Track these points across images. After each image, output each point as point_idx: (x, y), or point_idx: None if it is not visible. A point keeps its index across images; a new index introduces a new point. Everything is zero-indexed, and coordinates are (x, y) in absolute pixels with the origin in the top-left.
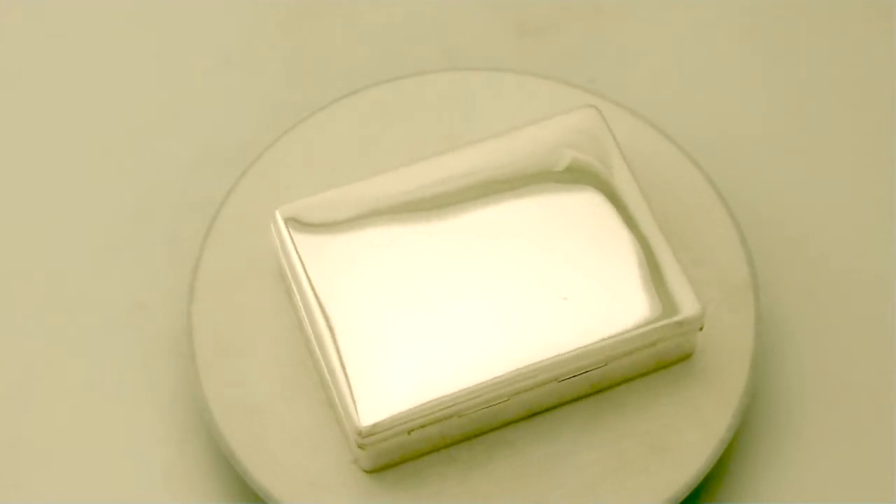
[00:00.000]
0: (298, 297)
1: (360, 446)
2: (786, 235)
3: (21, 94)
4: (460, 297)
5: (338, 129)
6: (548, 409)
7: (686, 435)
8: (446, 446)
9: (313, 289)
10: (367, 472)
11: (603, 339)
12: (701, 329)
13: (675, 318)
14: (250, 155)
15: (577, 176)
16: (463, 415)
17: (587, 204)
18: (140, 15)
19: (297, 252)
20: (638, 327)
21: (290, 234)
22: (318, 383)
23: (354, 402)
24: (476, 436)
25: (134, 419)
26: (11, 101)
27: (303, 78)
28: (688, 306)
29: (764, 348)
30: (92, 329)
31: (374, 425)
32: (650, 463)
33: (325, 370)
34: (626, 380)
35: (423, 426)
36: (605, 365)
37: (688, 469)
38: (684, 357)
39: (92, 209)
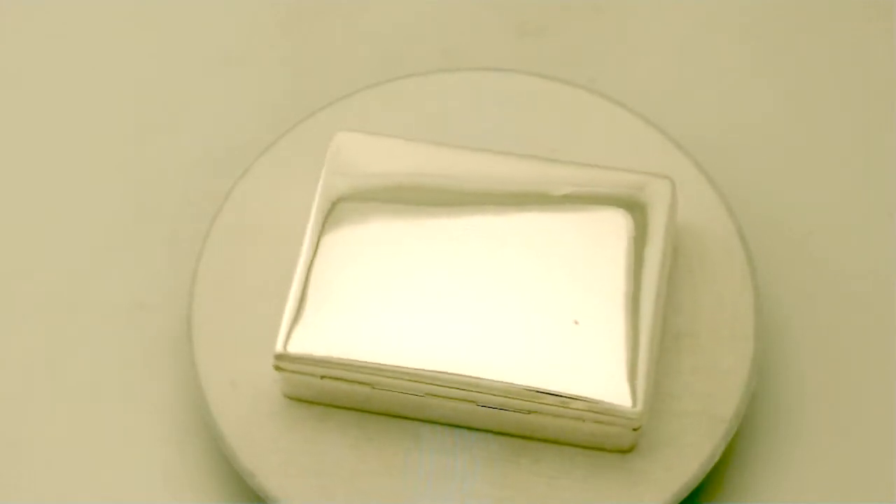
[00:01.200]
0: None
1: (275, 367)
2: (786, 235)
3: (21, 94)
4: (439, 290)
5: (338, 130)
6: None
7: (686, 435)
8: (362, 411)
9: (321, 217)
10: (285, 396)
11: (521, 387)
12: (636, 430)
13: (603, 403)
14: (250, 155)
15: (611, 220)
16: (374, 388)
17: (604, 249)
18: (140, 15)
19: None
20: (562, 393)
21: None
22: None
23: (286, 325)
24: (399, 417)
25: (134, 419)
26: (11, 101)
27: (303, 78)
28: (624, 398)
29: (764, 348)
30: (92, 329)
31: (285, 355)
32: (650, 463)
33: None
34: (556, 441)
35: (333, 378)
36: (525, 413)
37: (687, 469)
38: (620, 449)
39: (92, 209)
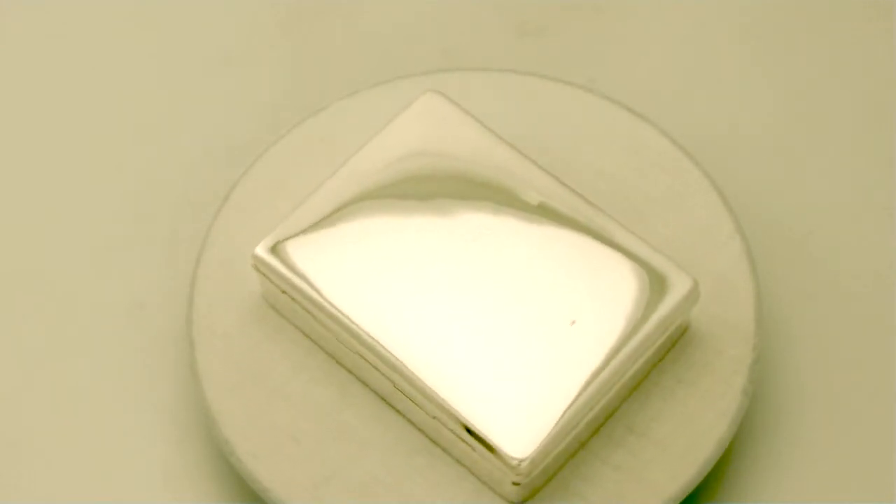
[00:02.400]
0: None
1: (252, 266)
2: (786, 235)
3: (21, 94)
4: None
5: (338, 130)
6: None
7: (686, 435)
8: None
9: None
10: (262, 297)
11: (427, 388)
12: (516, 484)
13: (487, 439)
14: (250, 155)
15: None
16: (317, 322)
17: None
18: (140, 15)
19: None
20: (457, 411)
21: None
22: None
23: (279, 230)
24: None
25: (134, 419)
26: (11, 101)
27: (303, 78)
28: (512, 442)
29: (764, 348)
30: (92, 329)
31: (259, 258)
32: (650, 463)
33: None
34: (457, 460)
35: (291, 298)
36: (430, 417)
37: (687, 469)
38: (507, 499)
39: (92, 209)
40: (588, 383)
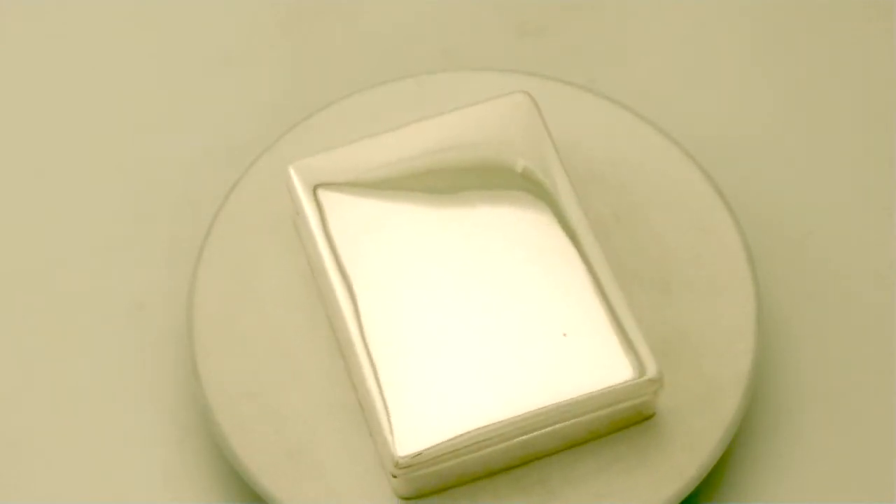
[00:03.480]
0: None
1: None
2: (786, 235)
3: (21, 94)
4: (473, 317)
5: (338, 130)
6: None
7: (685, 435)
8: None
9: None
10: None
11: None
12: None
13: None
14: (250, 155)
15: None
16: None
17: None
18: (140, 15)
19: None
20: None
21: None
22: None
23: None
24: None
25: (134, 419)
26: (11, 101)
27: (303, 78)
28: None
29: (764, 348)
30: (92, 329)
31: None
32: (649, 463)
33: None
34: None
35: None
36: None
37: (687, 469)
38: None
39: (92, 209)
40: (509, 419)
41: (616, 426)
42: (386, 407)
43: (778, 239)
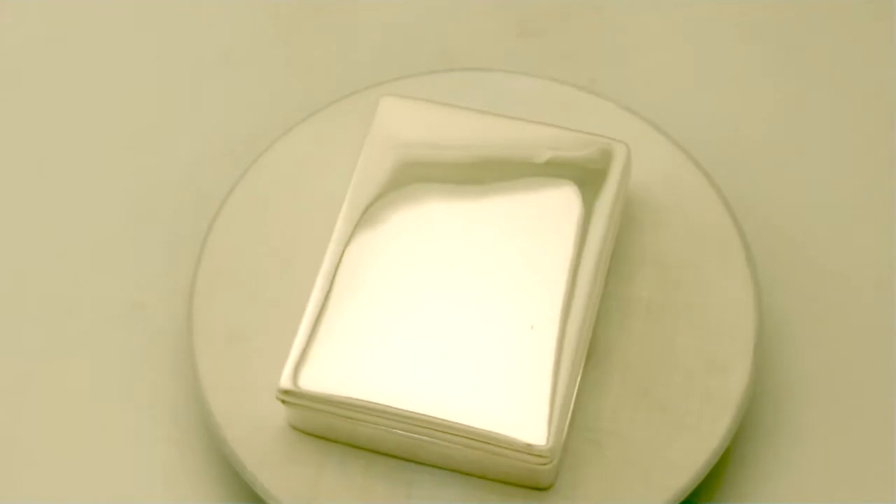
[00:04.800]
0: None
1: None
2: (786, 235)
3: (22, 94)
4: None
5: (338, 130)
6: None
7: (685, 435)
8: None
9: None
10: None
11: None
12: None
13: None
14: (250, 155)
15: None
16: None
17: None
18: (140, 14)
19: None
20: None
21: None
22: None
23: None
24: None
25: (134, 419)
26: (12, 101)
27: (303, 78)
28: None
29: (764, 348)
30: (92, 329)
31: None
32: (649, 463)
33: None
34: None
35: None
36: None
37: (687, 469)
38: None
39: (92, 209)
40: (392, 409)
41: (509, 478)
42: (307, 338)
43: (778, 239)
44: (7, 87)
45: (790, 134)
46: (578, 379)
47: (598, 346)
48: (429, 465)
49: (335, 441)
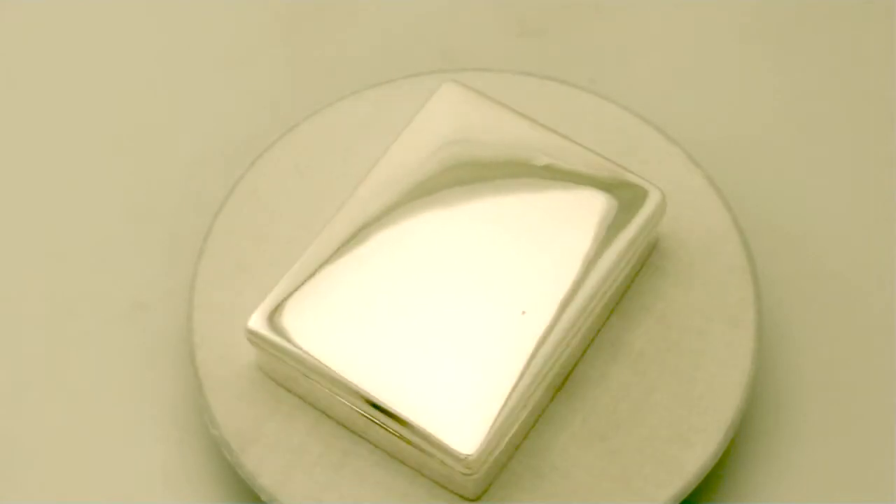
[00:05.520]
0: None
1: (468, 475)
2: (786, 235)
3: (21, 94)
4: (451, 303)
5: (338, 130)
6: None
7: (685, 435)
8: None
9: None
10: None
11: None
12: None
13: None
14: (251, 155)
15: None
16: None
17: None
18: (140, 15)
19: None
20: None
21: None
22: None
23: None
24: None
25: (134, 419)
26: (12, 101)
27: (303, 78)
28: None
29: (764, 349)
30: (92, 329)
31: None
32: (649, 463)
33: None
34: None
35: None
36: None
37: (687, 469)
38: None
39: (92, 209)
40: (527, 363)
41: (438, 479)
42: (292, 288)
43: (778, 239)
44: (7, 87)
45: (790, 134)
46: (530, 404)
47: (573, 383)
48: (371, 442)
49: (292, 393)
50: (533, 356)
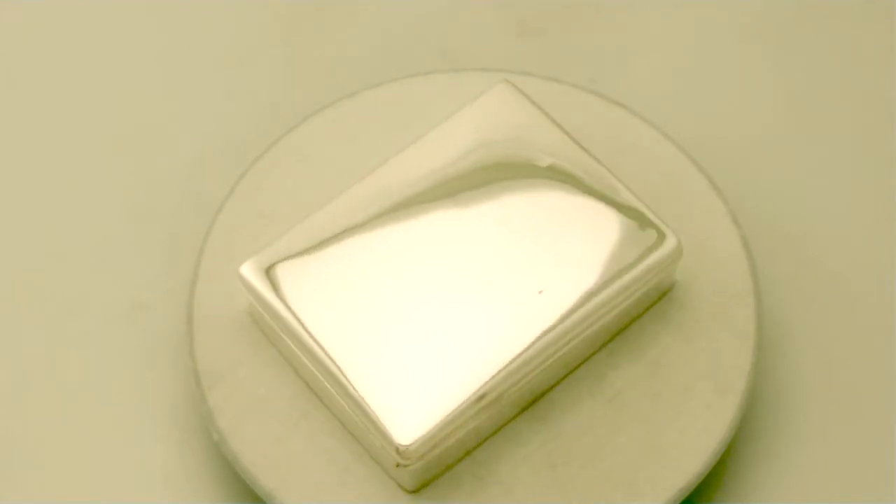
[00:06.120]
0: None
1: (402, 465)
2: (786, 235)
3: (21, 94)
4: (444, 298)
5: (338, 130)
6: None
7: (637, 485)
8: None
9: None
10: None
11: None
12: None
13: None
14: (250, 155)
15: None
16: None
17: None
18: (140, 15)
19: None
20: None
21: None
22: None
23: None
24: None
25: (134, 419)
26: (12, 101)
27: (303, 78)
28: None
29: (764, 348)
30: (92, 329)
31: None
32: (649, 463)
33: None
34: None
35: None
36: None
37: (687, 470)
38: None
39: (92, 209)
40: (495, 373)
41: (381, 461)
42: (293, 243)
43: (778, 239)
44: (7, 87)
45: (790, 134)
46: (485, 414)
47: (544, 406)
48: (330, 411)
49: (275, 347)
50: (501, 371)
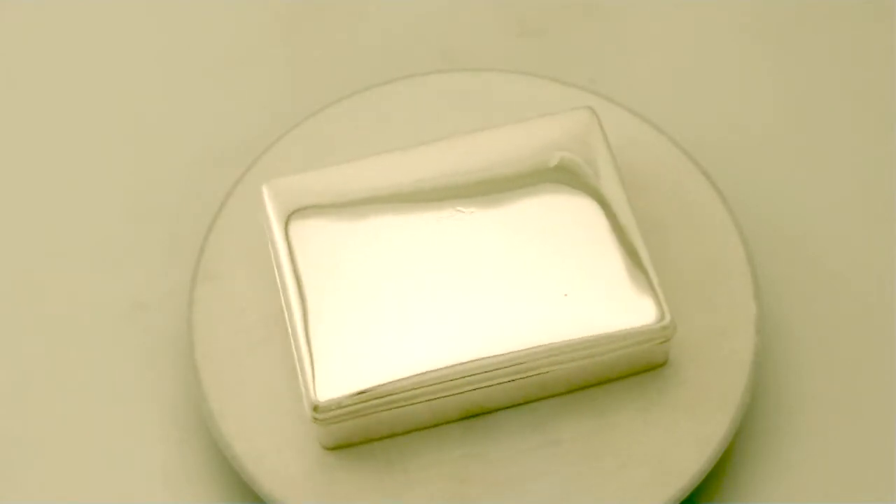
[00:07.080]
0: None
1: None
2: (786, 235)
3: (21, 94)
4: (435, 288)
5: (338, 130)
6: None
7: (686, 435)
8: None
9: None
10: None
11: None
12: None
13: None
14: (250, 155)
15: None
16: (416, 402)
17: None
18: (140, 15)
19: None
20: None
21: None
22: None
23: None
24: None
25: (134, 419)
26: (11, 101)
27: (303, 78)
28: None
29: (764, 348)
30: (92, 329)
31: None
32: (649, 463)
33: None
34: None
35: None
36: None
37: (687, 470)
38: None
39: (92, 209)
40: (446, 367)
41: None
42: (311, 353)
43: (778, 239)
44: (7, 87)
45: (790, 134)
46: (416, 402)
47: (490, 421)
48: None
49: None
50: (441, 371)
